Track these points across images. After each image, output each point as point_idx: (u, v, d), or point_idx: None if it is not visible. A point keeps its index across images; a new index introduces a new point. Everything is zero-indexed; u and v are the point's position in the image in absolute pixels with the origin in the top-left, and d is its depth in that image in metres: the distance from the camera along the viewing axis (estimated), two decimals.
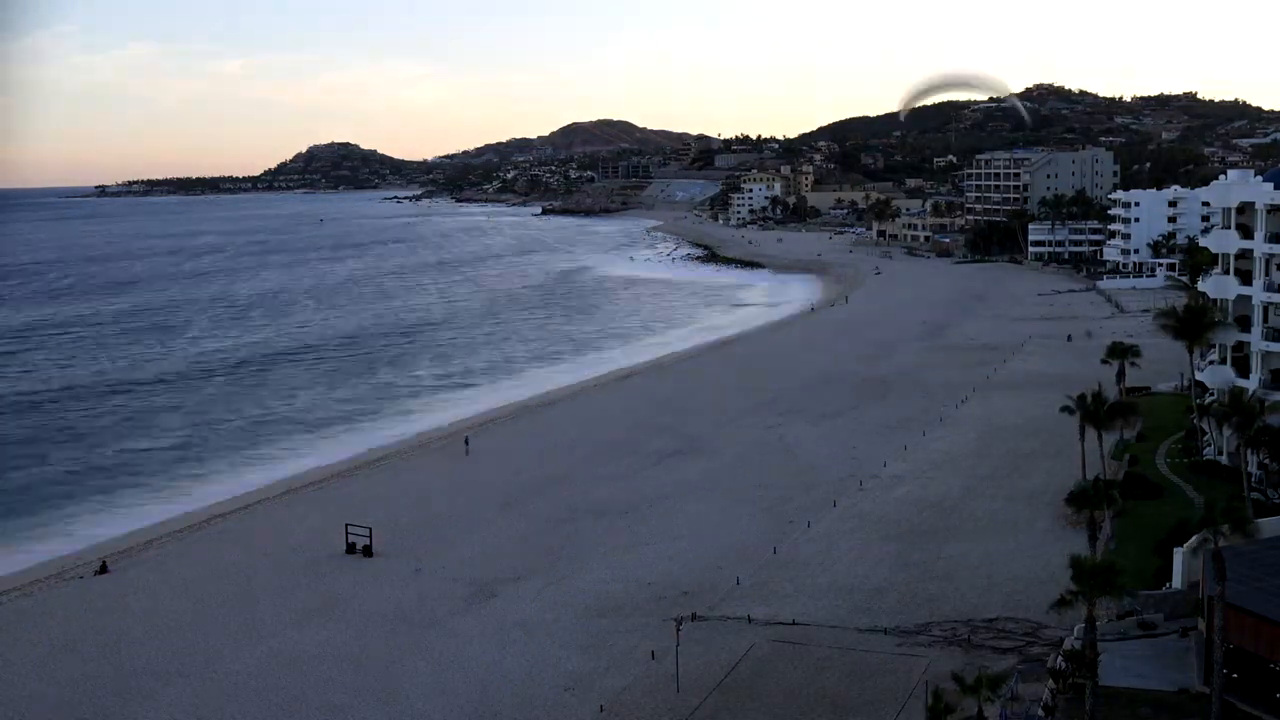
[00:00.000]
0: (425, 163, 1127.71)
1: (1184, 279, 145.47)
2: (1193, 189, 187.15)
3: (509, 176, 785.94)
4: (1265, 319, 67.78)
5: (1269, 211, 67.00)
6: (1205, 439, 72.10)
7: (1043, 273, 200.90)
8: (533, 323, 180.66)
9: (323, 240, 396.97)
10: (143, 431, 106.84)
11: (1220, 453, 69.29)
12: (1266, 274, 67.45)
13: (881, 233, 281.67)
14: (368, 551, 65.81)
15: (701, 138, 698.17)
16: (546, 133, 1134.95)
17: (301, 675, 49.81)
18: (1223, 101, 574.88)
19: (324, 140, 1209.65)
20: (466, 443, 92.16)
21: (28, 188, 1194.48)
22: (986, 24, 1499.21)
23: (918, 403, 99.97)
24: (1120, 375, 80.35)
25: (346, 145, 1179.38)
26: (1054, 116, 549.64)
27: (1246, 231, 69.13)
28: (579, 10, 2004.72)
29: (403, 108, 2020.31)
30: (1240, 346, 70.25)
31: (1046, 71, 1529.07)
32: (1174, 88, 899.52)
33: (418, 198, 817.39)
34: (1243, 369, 69.57)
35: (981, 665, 43.91)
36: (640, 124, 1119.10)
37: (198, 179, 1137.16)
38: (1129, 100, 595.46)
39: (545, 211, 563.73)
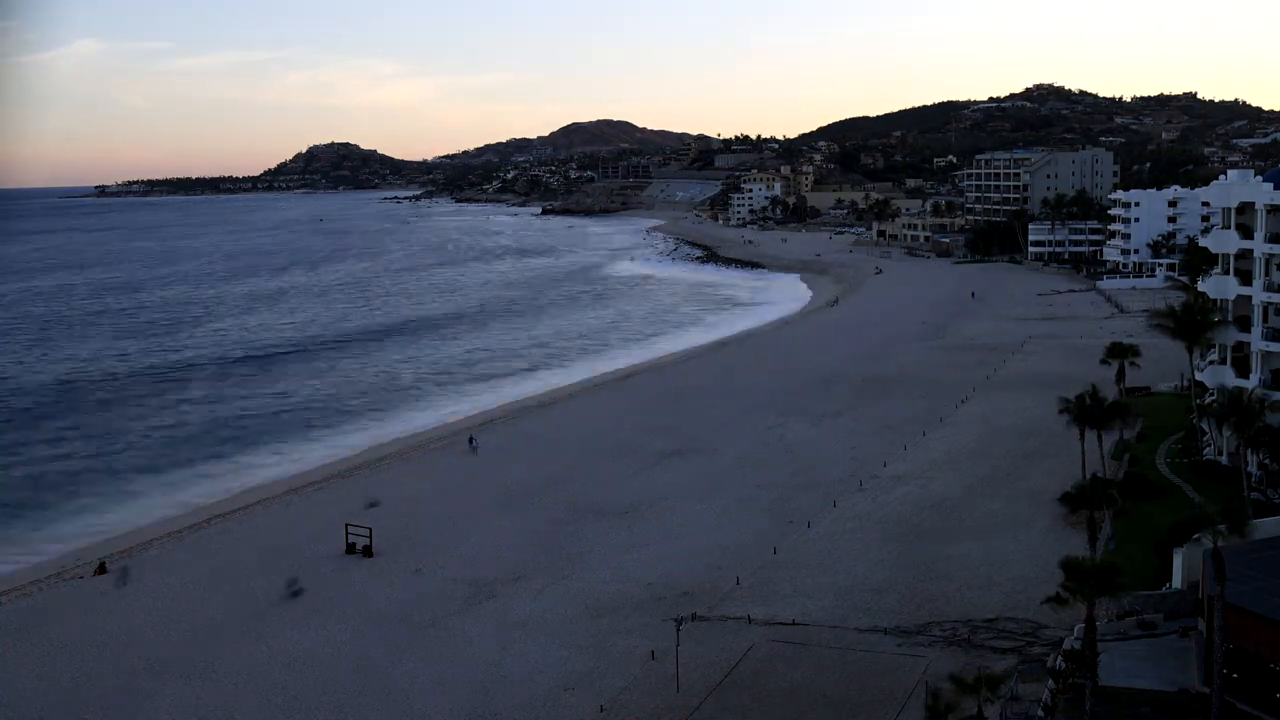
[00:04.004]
0: (425, 163, 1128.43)
1: (1184, 279, 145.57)
2: (1193, 189, 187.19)
3: (509, 177, 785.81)
4: (1265, 319, 67.75)
5: (1269, 211, 66.98)
6: (1205, 439, 72.06)
7: (1043, 273, 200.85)
8: (532, 323, 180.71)
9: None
10: (141, 432, 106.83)
11: (1220, 453, 69.24)
12: (1266, 274, 67.43)
13: (881, 233, 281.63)
14: (368, 551, 65.81)
15: (701, 138, 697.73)
16: (546, 133, 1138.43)
17: (301, 675, 49.80)
18: (1223, 101, 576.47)
19: (324, 140, 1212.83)
20: (471, 441, 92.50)
21: (23, 188, 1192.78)
22: (987, 24, 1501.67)
23: (918, 403, 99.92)
24: (1120, 375, 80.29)
25: (346, 145, 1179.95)
26: (1054, 116, 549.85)
27: (1246, 231, 69.10)
28: (579, 10, 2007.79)
29: (402, 108, 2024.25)
30: (1240, 346, 70.22)
31: (1046, 71, 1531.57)
32: (1174, 88, 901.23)
33: (417, 198, 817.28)
34: (1243, 369, 69.54)
35: (981, 665, 43.88)
36: (640, 124, 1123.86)
37: (197, 179, 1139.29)
38: (1129, 100, 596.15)
39: (545, 212, 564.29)
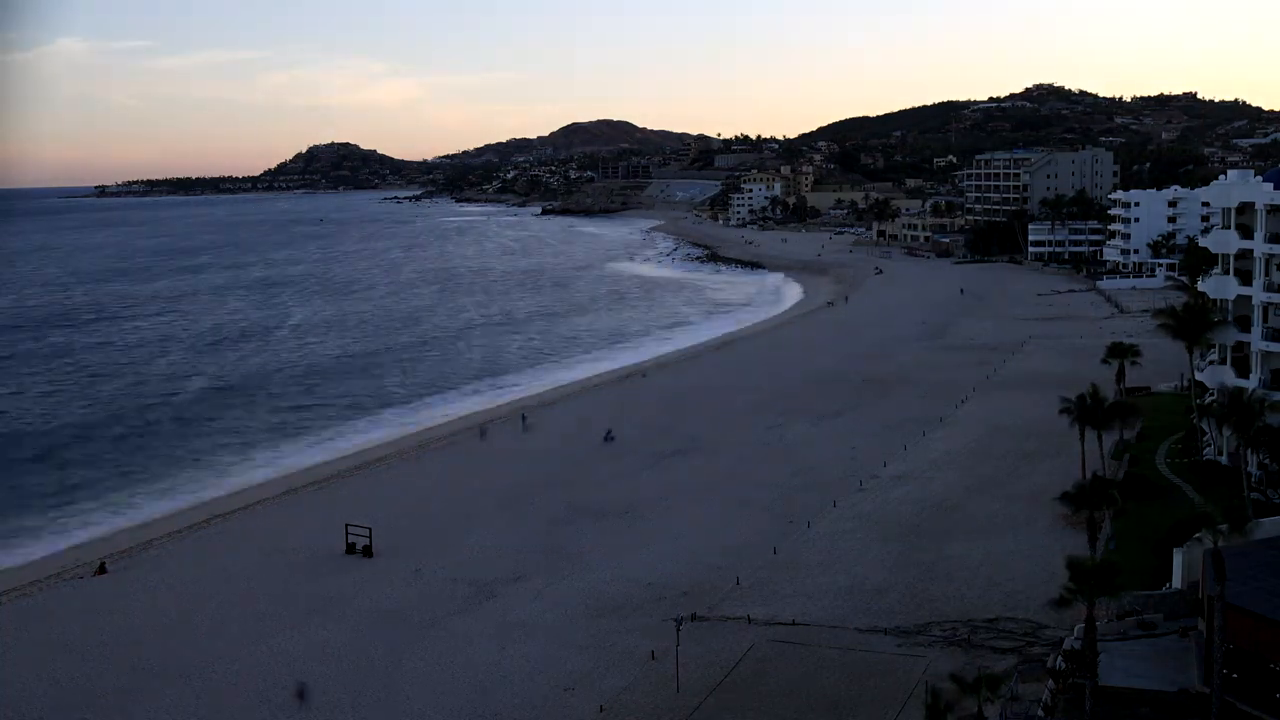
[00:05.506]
0: (425, 163, 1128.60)
1: (1184, 279, 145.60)
2: (1193, 189, 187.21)
3: (509, 177, 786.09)
4: (1265, 319, 67.76)
5: (1269, 211, 66.99)
6: (1205, 439, 72.07)
7: (1043, 273, 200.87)
8: (533, 322, 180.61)
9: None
10: (141, 432, 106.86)
11: (1220, 453, 69.25)
12: (1266, 274, 67.44)
13: (881, 233, 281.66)
14: (368, 551, 65.80)
15: (701, 138, 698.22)
16: (546, 133, 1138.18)
17: (301, 675, 49.72)
18: (1223, 101, 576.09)
19: (324, 141, 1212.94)
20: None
21: (23, 188, 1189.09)
22: (987, 24, 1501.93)
23: (918, 403, 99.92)
24: (1120, 375, 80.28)
25: (346, 145, 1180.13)
26: (1054, 116, 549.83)
27: (1246, 231, 69.12)
28: (580, 10, 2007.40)
29: (402, 109, 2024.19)
30: (1240, 346, 70.24)
31: (1046, 71, 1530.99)
32: (1174, 88, 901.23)
33: (417, 198, 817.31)
34: (1243, 369, 69.55)
35: (981, 665, 43.88)
36: (640, 124, 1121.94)
37: (198, 179, 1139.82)
38: (1129, 100, 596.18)
39: (545, 212, 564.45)
